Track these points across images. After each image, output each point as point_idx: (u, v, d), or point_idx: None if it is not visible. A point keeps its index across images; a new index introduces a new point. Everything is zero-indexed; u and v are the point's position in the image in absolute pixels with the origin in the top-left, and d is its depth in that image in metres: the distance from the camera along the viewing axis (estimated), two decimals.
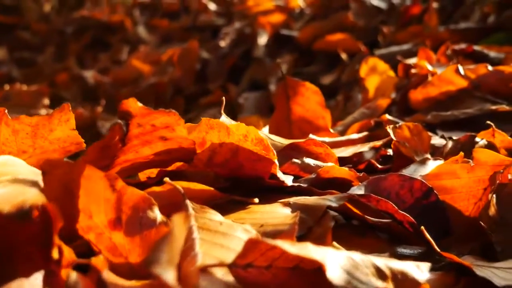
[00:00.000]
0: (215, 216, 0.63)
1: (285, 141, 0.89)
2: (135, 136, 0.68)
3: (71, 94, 3.48)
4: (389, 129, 0.92)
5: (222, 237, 0.59)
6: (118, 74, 3.05)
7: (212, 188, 0.66)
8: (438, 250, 0.70)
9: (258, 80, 2.38)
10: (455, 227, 0.77)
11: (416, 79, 1.38)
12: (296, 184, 0.76)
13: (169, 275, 0.42)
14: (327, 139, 1.06)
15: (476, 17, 2.27)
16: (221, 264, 0.54)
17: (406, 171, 0.86)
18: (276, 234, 0.59)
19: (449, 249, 0.76)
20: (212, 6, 3.49)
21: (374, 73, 1.46)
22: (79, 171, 0.57)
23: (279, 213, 0.65)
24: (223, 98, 0.95)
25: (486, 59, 1.53)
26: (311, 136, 1.05)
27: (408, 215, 0.72)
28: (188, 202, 0.64)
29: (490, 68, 1.24)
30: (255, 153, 0.71)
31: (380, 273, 0.53)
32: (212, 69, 2.53)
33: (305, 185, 0.76)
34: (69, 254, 0.54)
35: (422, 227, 0.71)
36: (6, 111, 0.72)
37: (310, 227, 0.67)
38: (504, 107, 1.16)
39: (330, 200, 0.70)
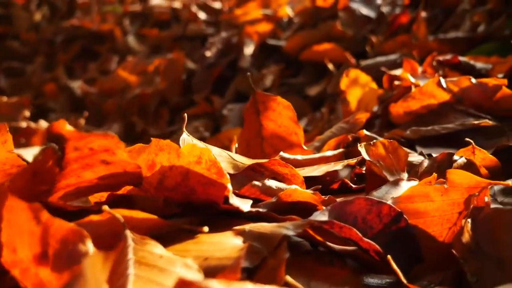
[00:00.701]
0: (156, 248, 0.57)
1: (248, 161, 0.83)
2: (73, 159, 0.63)
3: (59, 105, 3.44)
4: (361, 147, 0.87)
5: (160, 273, 0.54)
6: (104, 85, 3.00)
7: (155, 217, 0.61)
8: (405, 281, 0.65)
9: (243, 91, 2.32)
10: (427, 254, 0.72)
11: (399, 91, 1.33)
12: (254, 210, 0.70)
13: None
14: (299, 157, 1.01)
15: (466, 27, 2.22)
16: None
17: (377, 193, 0.81)
18: (220, 269, 0.54)
19: (420, 279, 0.71)
20: (202, 15, 3.44)
21: (356, 86, 1.40)
22: (0, 201, 0.52)
23: (227, 244, 0.60)
24: (185, 114, 0.90)
25: (473, 70, 1.47)
26: (281, 154, 1.00)
27: (373, 243, 0.67)
28: (128, 232, 0.58)
29: (473, 80, 1.19)
30: (206, 177, 0.66)
31: None
32: (198, 79, 2.47)
33: (264, 210, 0.71)
34: None
35: (389, 256, 0.66)
36: None
37: (264, 258, 0.62)
38: (487, 122, 1.10)
39: (287, 228, 0.64)
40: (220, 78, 2.47)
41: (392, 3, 2.58)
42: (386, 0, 2.56)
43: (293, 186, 0.76)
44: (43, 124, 2.39)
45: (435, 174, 0.77)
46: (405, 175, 0.93)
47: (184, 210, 0.71)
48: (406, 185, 0.82)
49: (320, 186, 0.88)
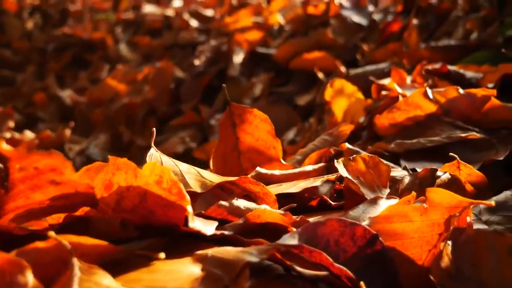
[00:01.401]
0: (103, 279, 0.53)
1: (217, 179, 0.78)
2: (19, 180, 0.58)
3: (48, 114, 3.39)
4: (338, 163, 0.82)
5: None
6: (94, 94, 2.96)
7: (106, 243, 0.56)
8: None
9: (232, 101, 2.27)
10: (405, 279, 0.67)
11: (385, 102, 1.29)
12: (219, 232, 0.66)
13: None
14: (277, 172, 0.96)
15: (459, 35, 2.18)
16: None
17: (354, 213, 0.76)
18: None
19: None
20: (194, 23, 3.40)
21: (341, 96, 1.36)
22: None
23: (183, 272, 0.55)
24: (154, 129, 0.85)
25: (463, 80, 1.43)
26: (258, 169, 0.95)
27: (345, 268, 0.62)
28: (75, 261, 0.54)
29: (461, 91, 1.14)
30: (165, 198, 0.61)
31: None
32: (186, 89, 2.43)
33: (230, 233, 0.66)
34: None
35: (362, 283, 0.61)
36: None
37: (225, 287, 0.58)
38: (475, 135, 1.06)
39: (250, 253, 0.59)
40: (209, 87, 2.43)
41: (384, 10, 2.54)
42: (378, 7, 2.52)
43: (263, 206, 0.71)
44: (28, 134, 2.35)
45: (413, 193, 0.73)
46: (386, 192, 0.89)
47: (144, 233, 0.66)
48: (385, 204, 0.77)
49: (295, 205, 0.84)
